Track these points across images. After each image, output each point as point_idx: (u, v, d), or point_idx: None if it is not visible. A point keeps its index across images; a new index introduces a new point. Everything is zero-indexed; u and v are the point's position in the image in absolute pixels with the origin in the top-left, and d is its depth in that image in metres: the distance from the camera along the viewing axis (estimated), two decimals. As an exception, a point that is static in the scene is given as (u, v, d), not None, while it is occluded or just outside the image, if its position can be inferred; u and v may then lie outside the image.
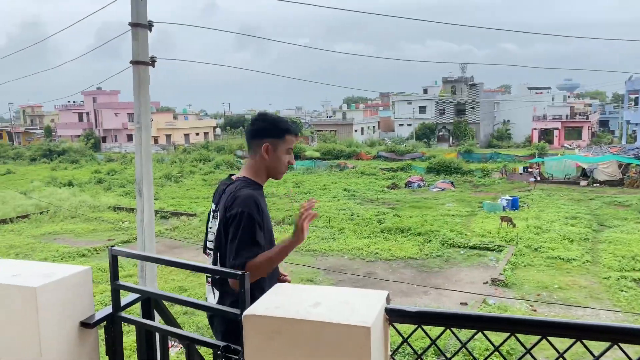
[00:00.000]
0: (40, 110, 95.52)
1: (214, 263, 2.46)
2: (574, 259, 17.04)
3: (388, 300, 1.59)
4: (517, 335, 1.47)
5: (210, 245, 2.60)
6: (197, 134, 73.53)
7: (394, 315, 1.53)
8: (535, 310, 13.15)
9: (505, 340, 1.51)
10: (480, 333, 1.51)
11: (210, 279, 2.55)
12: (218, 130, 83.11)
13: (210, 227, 2.62)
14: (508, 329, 1.44)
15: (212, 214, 2.67)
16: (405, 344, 1.60)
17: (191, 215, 25.12)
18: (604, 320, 12.55)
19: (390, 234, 20.62)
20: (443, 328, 1.54)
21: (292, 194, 31.31)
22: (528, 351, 1.43)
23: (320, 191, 32.32)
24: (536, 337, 1.49)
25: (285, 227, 22.47)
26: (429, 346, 1.65)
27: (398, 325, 1.61)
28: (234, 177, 2.74)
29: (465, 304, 13.64)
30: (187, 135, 71.82)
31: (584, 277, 15.68)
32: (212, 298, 2.49)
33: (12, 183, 39.59)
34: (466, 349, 1.65)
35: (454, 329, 1.54)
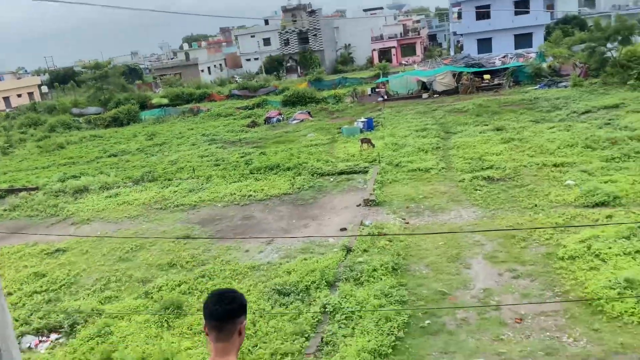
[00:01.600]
0: None
1: None
2: (431, 169, 18.34)
3: None
4: None
5: None
6: (20, 95, 64.10)
7: None
8: (407, 223, 13.97)
9: None
10: None
11: None
12: (45, 89, 73.31)
13: None
14: None
15: None
16: None
17: (32, 189, 22.07)
18: (466, 219, 13.80)
19: (260, 173, 20.25)
20: None
21: None
22: None
23: (177, 140, 30.47)
24: None
25: (146, 185, 20.91)
26: None
27: None
28: None
29: (345, 229, 14.00)
30: (6, 99, 62.30)
31: (442, 183, 17.00)
32: None
33: None
34: None
35: None
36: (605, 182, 14.77)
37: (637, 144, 17.81)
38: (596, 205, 13.44)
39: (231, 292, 2.63)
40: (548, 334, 8.36)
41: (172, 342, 9.41)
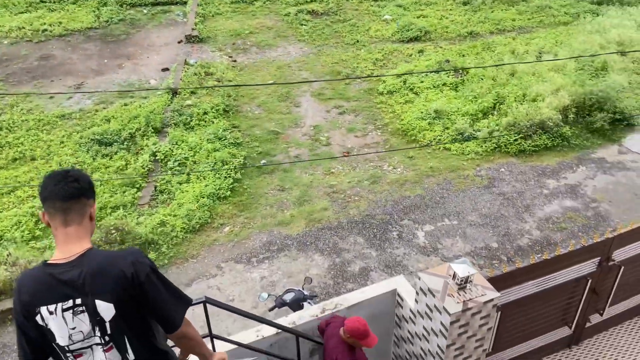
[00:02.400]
0: None
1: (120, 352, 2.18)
2: (255, 0, 17.24)
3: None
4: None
5: (80, 345, 2.13)
6: None
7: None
8: (235, 61, 13.33)
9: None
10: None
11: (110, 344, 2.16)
12: None
13: (74, 327, 2.10)
14: None
15: (61, 313, 2.07)
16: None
17: None
18: (294, 56, 13.65)
19: (54, 2, 16.82)
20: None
21: None
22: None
23: None
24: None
25: None
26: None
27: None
28: (60, 260, 2.08)
29: (167, 69, 12.86)
30: None
31: (268, 17, 16.24)
32: None
33: None
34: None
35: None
36: (418, 17, 15.65)
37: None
38: (410, 40, 14.30)
39: (76, 171, 2.21)
40: (372, 164, 9.19)
41: (-25, 208, 8.18)
